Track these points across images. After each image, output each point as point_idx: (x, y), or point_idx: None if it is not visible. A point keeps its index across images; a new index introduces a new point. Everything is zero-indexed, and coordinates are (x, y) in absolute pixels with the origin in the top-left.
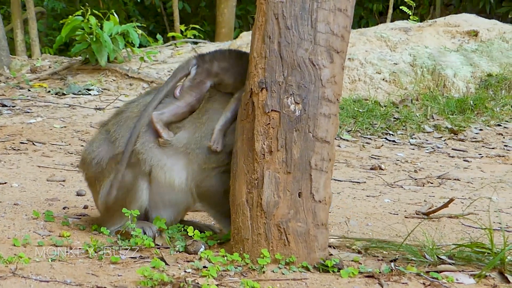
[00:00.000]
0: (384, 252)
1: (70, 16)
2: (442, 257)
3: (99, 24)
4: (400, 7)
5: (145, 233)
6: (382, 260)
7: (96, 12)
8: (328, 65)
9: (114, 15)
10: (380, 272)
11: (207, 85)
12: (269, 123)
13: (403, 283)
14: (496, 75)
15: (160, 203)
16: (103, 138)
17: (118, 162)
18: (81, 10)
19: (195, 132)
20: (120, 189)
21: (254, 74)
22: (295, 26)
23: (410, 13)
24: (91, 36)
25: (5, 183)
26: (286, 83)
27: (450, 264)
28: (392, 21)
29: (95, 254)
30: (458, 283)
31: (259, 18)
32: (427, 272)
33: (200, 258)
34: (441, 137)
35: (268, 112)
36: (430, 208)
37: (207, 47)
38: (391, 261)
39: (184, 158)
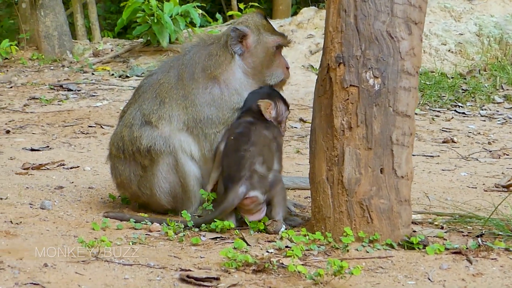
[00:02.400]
0: (469, 227)
1: None
2: None
3: (160, 6)
4: None
5: None
6: (467, 235)
7: None
8: (407, 37)
9: None
10: (467, 248)
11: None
12: (348, 99)
13: (492, 259)
14: None
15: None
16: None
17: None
18: None
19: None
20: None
21: (331, 49)
22: None
23: None
24: (152, 17)
25: (78, 167)
26: (364, 57)
27: None
28: None
29: (175, 236)
30: None
31: None
32: None
33: (281, 238)
34: None
35: (347, 87)
36: (509, 180)
37: None
38: (478, 236)
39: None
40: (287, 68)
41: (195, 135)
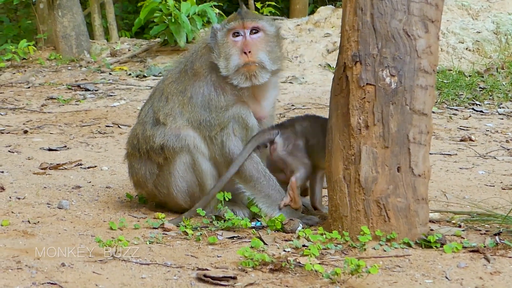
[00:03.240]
0: (486, 225)
1: None
2: None
3: (177, 5)
4: None
5: (236, 215)
6: (485, 234)
7: None
8: (423, 35)
9: None
10: (485, 247)
11: (300, 144)
12: (364, 97)
13: (510, 257)
14: None
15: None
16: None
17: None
18: None
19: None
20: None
21: (347, 48)
22: None
23: None
24: (169, 17)
25: (95, 166)
26: (381, 56)
27: None
28: None
29: (192, 235)
30: None
31: None
32: None
33: (298, 237)
34: None
35: (363, 86)
36: None
37: (284, 23)
38: (495, 234)
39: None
40: (245, 52)
41: (203, 137)
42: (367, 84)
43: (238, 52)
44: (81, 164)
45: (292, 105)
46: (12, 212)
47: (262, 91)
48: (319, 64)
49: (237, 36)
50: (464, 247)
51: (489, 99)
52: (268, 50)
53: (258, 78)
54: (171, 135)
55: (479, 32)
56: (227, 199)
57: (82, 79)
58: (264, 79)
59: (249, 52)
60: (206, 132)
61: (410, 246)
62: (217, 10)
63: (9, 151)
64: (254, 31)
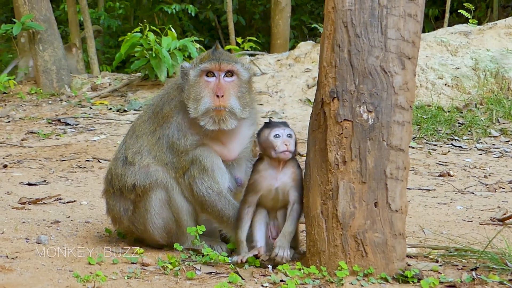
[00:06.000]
0: (463, 260)
1: (129, 33)
2: None
3: (158, 40)
4: (459, 11)
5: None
6: (462, 269)
7: (154, 28)
8: (400, 71)
9: (172, 31)
10: (461, 282)
11: None
12: (342, 133)
13: None
14: None
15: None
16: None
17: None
18: (140, 27)
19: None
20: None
21: (325, 84)
22: (365, 33)
23: (469, 17)
24: (150, 52)
25: (75, 201)
26: (358, 92)
27: None
28: (448, 25)
29: (170, 270)
30: None
31: (327, 27)
32: (510, 280)
33: (276, 272)
34: (509, 140)
35: (341, 121)
36: (504, 214)
37: (265, 58)
38: (472, 269)
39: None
40: (218, 96)
41: (173, 177)
42: (344, 120)
43: (210, 94)
44: (60, 199)
45: None
46: None
47: (228, 135)
48: (299, 99)
49: (211, 76)
50: (441, 282)
51: (468, 134)
52: (239, 95)
53: (226, 123)
54: (141, 174)
55: (458, 68)
56: (200, 232)
57: (62, 114)
58: (232, 125)
59: (222, 96)
60: (172, 173)
61: (387, 281)
62: (197, 45)
63: None
64: (229, 73)
